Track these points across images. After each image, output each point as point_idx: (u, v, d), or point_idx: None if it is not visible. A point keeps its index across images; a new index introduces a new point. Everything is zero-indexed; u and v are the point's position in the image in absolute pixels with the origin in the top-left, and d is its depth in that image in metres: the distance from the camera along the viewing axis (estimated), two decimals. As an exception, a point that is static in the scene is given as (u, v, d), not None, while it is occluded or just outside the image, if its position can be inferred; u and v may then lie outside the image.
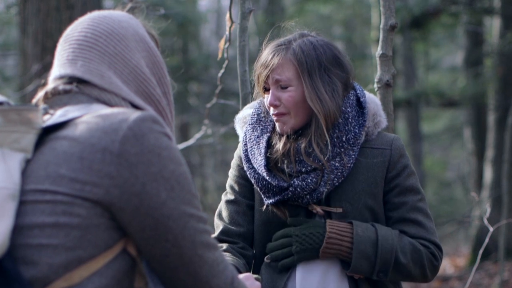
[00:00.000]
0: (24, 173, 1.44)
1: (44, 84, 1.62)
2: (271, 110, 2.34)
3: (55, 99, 1.56)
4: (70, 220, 1.42)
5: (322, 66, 2.28)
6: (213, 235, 2.35)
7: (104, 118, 1.46)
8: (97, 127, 1.45)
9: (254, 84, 2.40)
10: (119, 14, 1.65)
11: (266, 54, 2.34)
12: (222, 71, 3.41)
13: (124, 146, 1.43)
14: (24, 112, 1.47)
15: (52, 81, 1.59)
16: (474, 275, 7.48)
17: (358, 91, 2.37)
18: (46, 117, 1.52)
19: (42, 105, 1.56)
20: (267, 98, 2.33)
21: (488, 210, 4.40)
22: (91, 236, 1.42)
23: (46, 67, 5.04)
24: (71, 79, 1.56)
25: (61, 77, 1.58)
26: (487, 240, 3.99)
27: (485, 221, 3.98)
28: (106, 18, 1.61)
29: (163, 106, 1.63)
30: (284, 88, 2.30)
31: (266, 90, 2.35)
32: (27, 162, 1.45)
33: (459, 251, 11.53)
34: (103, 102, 1.55)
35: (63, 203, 1.42)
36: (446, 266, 9.69)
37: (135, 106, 1.58)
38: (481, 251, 4.02)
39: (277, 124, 2.33)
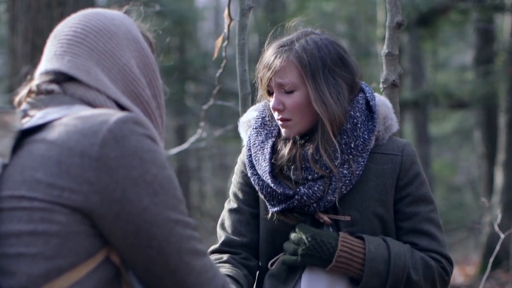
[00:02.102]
0: (1, 178, 1.39)
1: (31, 80, 1.57)
2: (276, 115, 2.28)
3: (37, 99, 1.51)
4: (49, 228, 1.36)
5: (326, 67, 2.22)
6: (215, 246, 2.35)
7: (83, 120, 1.41)
8: (75, 129, 1.39)
9: (257, 86, 2.34)
10: (113, 12, 1.61)
11: (269, 55, 2.28)
12: (220, 70, 3.37)
13: (104, 149, 1.38)
14: (1, 115, 1.43)
15: (38, 76, 1.55)
16: (485, 284, 7.35)
17: (367, 94, 2.30)
18: (26, 119, 1.46)
19: (23, 105, 1.51)
20: (271, 102, 2.27)
21: (499, 216, 4.33)
22: (71, 244, 1.37)
23: (37, 67, 4.90)
24: (57, 75, 1.52)
25: (47, 72, 1.53)
26: (498, 247, 3.94)
27: (496, 228, 3.92)
28: (99, 15, 1.58)
29: (152, 109, 1.58)
30: (288, 92, 2.24)
31: (270, 93, 2.29)
32: (4, 167, 1.40)
33: (469, 259, 11.52)
34: (87, 103, 1.50)
35: (40, 210, 1.36)
36: (456, 275, 9.69)
37: (121, 106, 1.52)
38: (491, 259, 3.96)
39: (282, 129, 2.28)
